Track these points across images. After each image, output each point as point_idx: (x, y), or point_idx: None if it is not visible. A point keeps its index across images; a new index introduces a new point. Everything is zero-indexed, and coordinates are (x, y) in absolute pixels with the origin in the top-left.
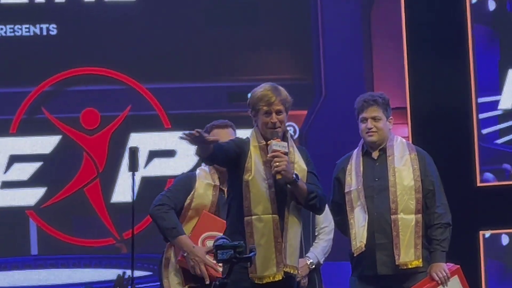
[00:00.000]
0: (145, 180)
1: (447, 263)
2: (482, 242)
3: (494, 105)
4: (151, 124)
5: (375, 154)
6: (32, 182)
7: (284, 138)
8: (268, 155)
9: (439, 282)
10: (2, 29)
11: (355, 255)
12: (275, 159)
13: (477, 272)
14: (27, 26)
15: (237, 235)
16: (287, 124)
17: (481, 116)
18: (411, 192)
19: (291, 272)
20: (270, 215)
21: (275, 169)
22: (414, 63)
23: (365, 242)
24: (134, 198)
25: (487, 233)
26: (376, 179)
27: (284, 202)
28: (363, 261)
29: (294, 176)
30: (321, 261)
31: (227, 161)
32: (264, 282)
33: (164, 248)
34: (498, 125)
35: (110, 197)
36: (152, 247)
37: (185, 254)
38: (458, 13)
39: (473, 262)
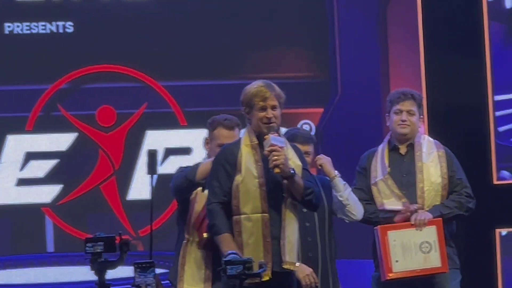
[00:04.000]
0: (161, 178)
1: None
2: (498, 240)
3: (510, 102)
4: (167, 122)
5: (402, 150)
6: (48, 179)
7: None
8: (266, 149)
9: (414, 223)
10: (18, 26)
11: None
12: (273, 153)
13: (494, 270)
14: (44, 23)
15: None
16: (303, 121)
17: (498, 113)
18: (438, 189)
19: (290, 268)
20: (260, 214)
21: (274, 162)
22: (431, 61)
23: None
24: (152, 198)
25: (504, 231)
26: (404, 175)
27: (280, 199)
28: None
29: (291, 170)
30: None
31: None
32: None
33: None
34: None
35: (126, 195)
36: (168, 245)
37: None
38: (475, 10)
39: (489, 260)
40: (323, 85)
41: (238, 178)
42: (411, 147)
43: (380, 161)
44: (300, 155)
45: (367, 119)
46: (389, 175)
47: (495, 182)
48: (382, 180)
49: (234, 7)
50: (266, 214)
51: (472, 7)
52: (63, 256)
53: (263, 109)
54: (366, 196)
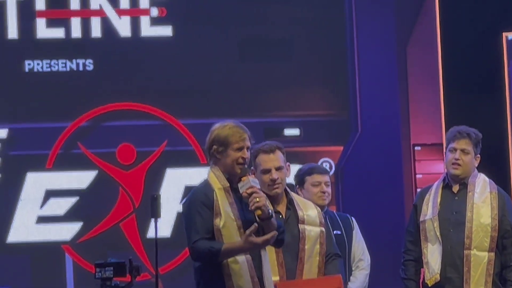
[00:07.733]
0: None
1: None
2: None
3: None
4: (187, 160)
5: (455, 188)
6: (68, 217)
7: None
8: (246, 191)
9: None
10: (38, 64)
11: (429, 285)
12: (254, 195)
13: None
14: (64, 61)
15: (216, 279)
16: (323, 159)
17: None
18: (487, 230)
19: None
20: (244, 256)
21: (256, 204)
22: (450, 99)
23: (440, 273)
24: (157, 243)
25: None
26: (454, 213)
27: None
28: None
29: (270, 211)
30: None
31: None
32: None
33: None
34: None
35: (146, 233)
36: (189, 282)
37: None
38: (494, 49)
39: None
40: (343, 123)
41: (217, 222)
42: (464, 185)
43: (432, 199)
44: None
45: (387, 157)
46: (438, 215)
47: None
48: (431, 220)
49: (254, 46)
50: (249, 255)
51: (492, 46)
52: None
53: (240, 149)
54: (411, 238)
